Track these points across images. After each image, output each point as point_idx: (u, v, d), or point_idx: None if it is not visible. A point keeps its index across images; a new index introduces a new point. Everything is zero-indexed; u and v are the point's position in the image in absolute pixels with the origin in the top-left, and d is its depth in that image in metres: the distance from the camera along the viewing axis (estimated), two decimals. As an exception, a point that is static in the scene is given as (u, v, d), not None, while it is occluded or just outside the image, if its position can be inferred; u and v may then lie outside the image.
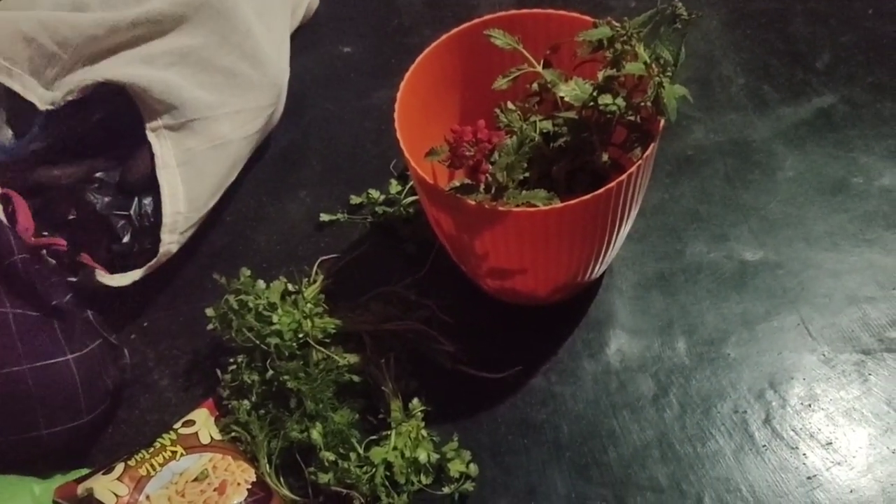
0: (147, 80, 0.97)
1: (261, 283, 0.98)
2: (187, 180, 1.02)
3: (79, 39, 0.95)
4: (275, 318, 0.94)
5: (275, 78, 1.13)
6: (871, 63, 1.20)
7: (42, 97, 0.94)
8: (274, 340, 0.92)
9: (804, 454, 0.87)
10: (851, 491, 0.84)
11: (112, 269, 1.01)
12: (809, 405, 0.90)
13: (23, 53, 0.95)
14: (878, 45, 1.22)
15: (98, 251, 1.02)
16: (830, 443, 0.87)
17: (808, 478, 0.85)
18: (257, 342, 0.93)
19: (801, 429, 0.88)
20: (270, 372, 0.92)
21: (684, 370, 0.94)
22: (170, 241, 1.01)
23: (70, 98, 0.94)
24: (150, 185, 1.01)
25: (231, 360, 0.95)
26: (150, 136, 0.99)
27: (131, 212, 1.01)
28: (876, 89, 1.16)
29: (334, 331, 0.95)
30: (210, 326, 0.96)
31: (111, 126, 1.05)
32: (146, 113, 0.99)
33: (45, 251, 0.97)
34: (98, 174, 1.02)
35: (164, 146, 0.99)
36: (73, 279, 0.97)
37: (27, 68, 0.95)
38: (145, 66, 0.98)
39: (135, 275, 1.01)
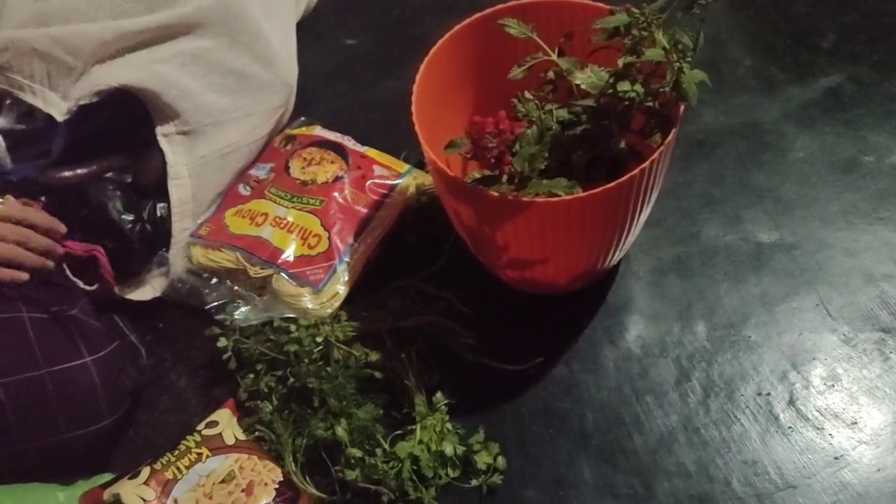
0: (159, 84, 0.97)
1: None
2: (197, 193, 1.02)
3: (90, 46, 0.94)
4: (293, 328, 0.94)
5: (285, 78, 1.13)
6: (874, 42, 1.20)
7: (60, 109, 0.94)
8: (293, 348, 0.92)
9: (830, 434, 0.87)
10: (879, 469, 0.84)
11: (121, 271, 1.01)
12: (832, 385, 0.90)
13: (39, 69, 0.94)
14: (880, 25, 1.22)
15: (108, 252, 1.01)
16: (856, 422, 0.87)
17: (836, 458, 0.85)
18: (275, 354, 0.93)
19: (825, 409, 0.89)
20: (291, 379, 0.92)
21: (705, 354, 0.94)
22: (177, 257, 1.01)
23: (83, 103, 0.94)
24: (163, 188, 1.01)
25: (248, 367, 0.95)
26: (163, 142, 0.99)
27: (145, 214, 1.01)
28: (882, 68, 1.16)
29: (353, 333, 0.95)
30: (226, 356, 0.96)
31: (120, 125, 1.04)
32: (158, 117, 0.98)
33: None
34: (109, 175, 1.01)
35: (176, 153, 1.00)
36: (90, 287, 0.96)
37: (46, 83, 0.95)
38: (157, 69, 0.97)
39: (155, 291, 1.01)
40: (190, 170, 1.00)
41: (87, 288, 0.96)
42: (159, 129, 0.99)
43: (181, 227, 1.01)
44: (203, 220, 1.05)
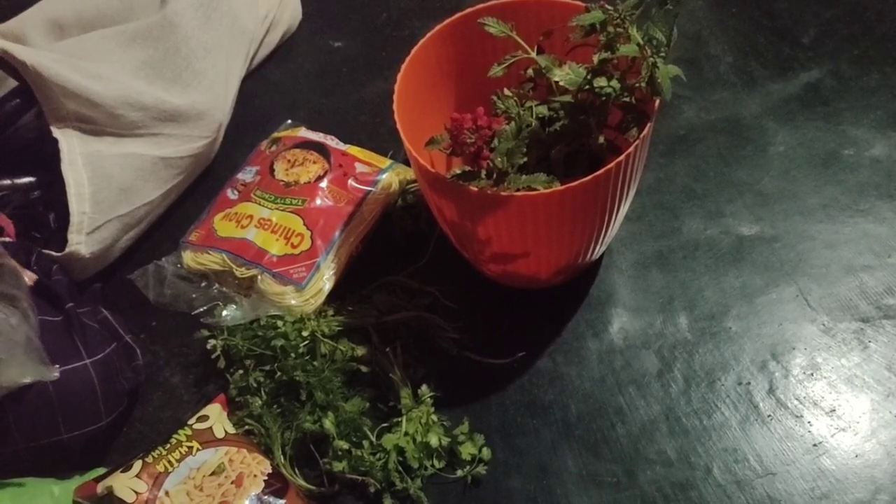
0: (60, 77, 0.97)
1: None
2: (93, 178, 1.01)
3: None
4: (279, 324, 0.96)
5: (212, 115, 1.14)
6: (855, 36, 1.21)
7: None
8: (279, 342, 0.94)
9: (809, 422, 0.88)
10: (857, 456, 0.86)
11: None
12: (812, 374, 0.91)
13: None
14: (861, 19, 1.24)
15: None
16: (834, 410, 0.89)
17: (814, 445, 0.87)
18: (263, 350, 0.95)
19: (804, 397, 0.90)
20: (278, 373, 0.93)
21: (687, 345, 0.95)
22: (77, 241, 1.01)
23: None
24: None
25: (238, 364, 0.97)
26: (56, 133, 0.99)
27: None
28: (862, 62, 1.18)
29: (339, 328, 0.97)
30: (214, 355, 0.98)
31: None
32: (49, 107, 0.98)
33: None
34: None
35: (71, 144, 0.99)
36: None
37: None
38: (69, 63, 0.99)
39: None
40: (84, 158, 1.00)
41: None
42: (53, 125, 0.99)
43: (80, 210, 1.00)
44: (194, 226, 1.07)
